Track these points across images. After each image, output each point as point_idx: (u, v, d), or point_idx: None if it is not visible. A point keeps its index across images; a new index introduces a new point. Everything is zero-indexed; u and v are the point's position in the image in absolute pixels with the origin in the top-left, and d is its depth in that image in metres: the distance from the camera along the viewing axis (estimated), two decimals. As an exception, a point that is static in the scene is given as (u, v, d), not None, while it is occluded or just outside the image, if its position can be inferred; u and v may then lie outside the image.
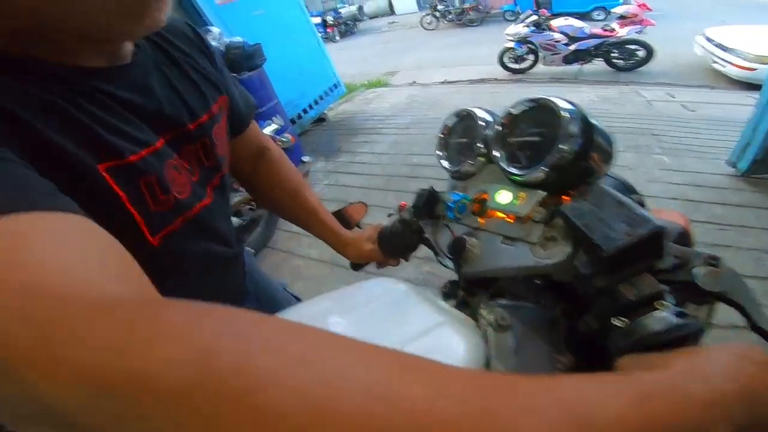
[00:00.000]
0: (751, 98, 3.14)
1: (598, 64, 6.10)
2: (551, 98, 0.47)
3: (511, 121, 0.52)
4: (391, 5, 16.18)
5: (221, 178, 0.56)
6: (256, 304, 0.72)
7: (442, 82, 5.61)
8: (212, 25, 2.90)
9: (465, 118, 0.62)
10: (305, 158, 3.33)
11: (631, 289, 0.37)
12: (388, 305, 0.51)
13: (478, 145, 0.57)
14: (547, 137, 0.47)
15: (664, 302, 0.36)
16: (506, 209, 0.50)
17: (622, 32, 5.92)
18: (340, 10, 14.77)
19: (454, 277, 0.59)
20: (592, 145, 0.45)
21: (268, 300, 0.77)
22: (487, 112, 0.60)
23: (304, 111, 3.98)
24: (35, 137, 0.33)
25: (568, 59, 5.96)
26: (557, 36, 5.93)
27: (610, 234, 0.37)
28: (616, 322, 0.37)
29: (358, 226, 0.83)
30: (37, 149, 0.32)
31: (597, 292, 0.40)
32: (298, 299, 0.88)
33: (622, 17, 6.12)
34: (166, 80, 0.48)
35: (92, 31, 0.36)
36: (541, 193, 0.47)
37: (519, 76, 6.06)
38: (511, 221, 0.49)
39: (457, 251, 0.52)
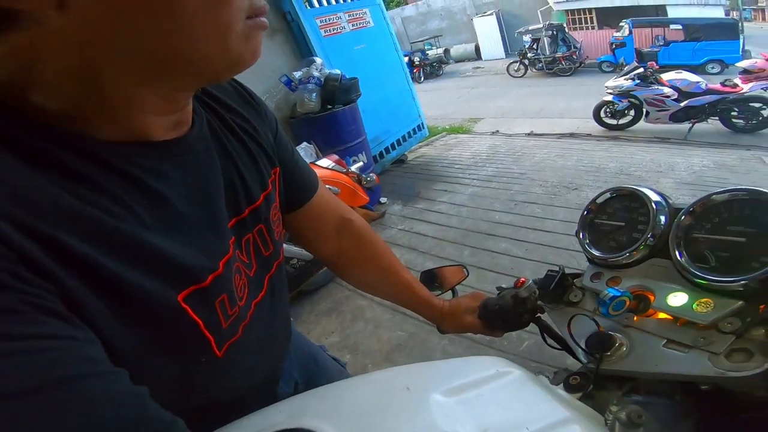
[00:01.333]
0: None
1: (712, 124, 5.52)
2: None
3: (707, 213, 0.47)
4: (477, 50, 16.46)
5: (278, 267, 0.49)
6: (295, 366, 0.64)
7: (528, 134, 5.41)
8: (316, 56, 3.06)
9: (626, 197, 0.57)
10: (383, 199, 3.36)
11: None
12: (503, 390, 0.45)
13: (645, 233, 0.51)
14: (758, 240, 0.43)
15: None
16: (680, 313, 0.46)
17: (746, 88, 5.32)
18: (427, 52, 15.41)
19: (566, 364, 0.57)
20: None
21: (308, 361, 0.69)
22: (659, 194, 0.54)
23: (387, 150, 4.03)
24: (102, 276, 0.27)
25: (677, 117, 5.45)
26: (667, 91, 5.46)
27: None
28: None
29: (453, 291, 0.78)
30: (103, 289, 0.27)
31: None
32: (338, 362, 0.81)
33: (746, 71, 5.52)
34: (224, 152, 0.41)
35: (199, 66, 0.30)
36: (738, 303, 0.42)
37: (615, 132, 5.66)
38: (679, 324, 0.46)
39: (603, 348, 0.49)
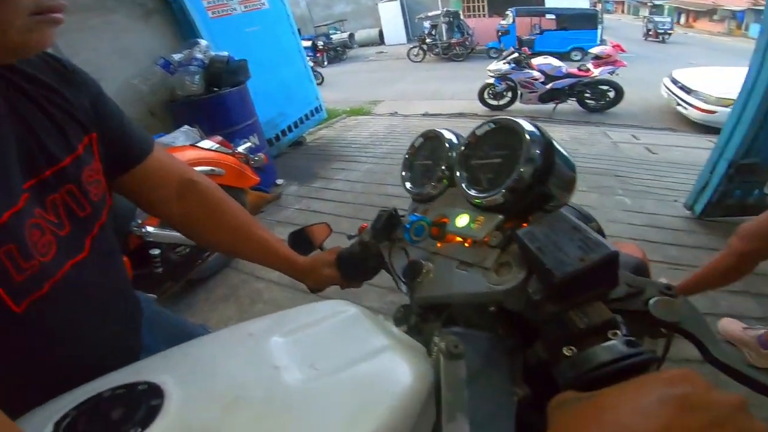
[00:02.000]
0: (710, 142, 3.32)
1: (571, 104, 6.38)
2: (516, 119, 0.47)
3: (475, 143, 0.52)
4: (381, 35, 16.72)
5: (102, 228, 0.51)
6: (163, 342, 0.64)
7: (423, 115, 5.78)
8: (201, 38, 2.89)
9: (432, 139, 0.61)
10: (279, 181, 3.33)
11: (581, 316, 0.36)
12: (335, 327, 0.48)
13: (441, 167, 0.56)
14: (509, 159, 0.46)
15: (617, 332, 0.34)
16: (464, 233, 0.49)
17: (596, 72, 6.22)
18: (331, 36, 15.18)
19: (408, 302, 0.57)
20: (553, 170, 0.44)
21: (184, 339, 0.72)
22: (454, 133, 0.59)
23: (283, 133, 3.96)
24: None
25: (544, 98, 6.22)
26: (536, 74, 6.19)
27: (563, 259, 0.36)
28: (565, 351, 0.35)
29: (321, 248, 0.79)
30: None
31: (548, 319, 0.38)
32: None
33: (597, 57, 6.45)
34: (21, 120, 0.43)
35: None
36: (499, 217, 0.46)
37: (497, 112, 6.25)
38: (468, 246, 0.48)
39: (412, 275, 0.51)
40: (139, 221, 1.80)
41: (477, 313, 0.51)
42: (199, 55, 2.70)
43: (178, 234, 1.99)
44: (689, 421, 0.23)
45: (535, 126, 0.46)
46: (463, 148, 0.52)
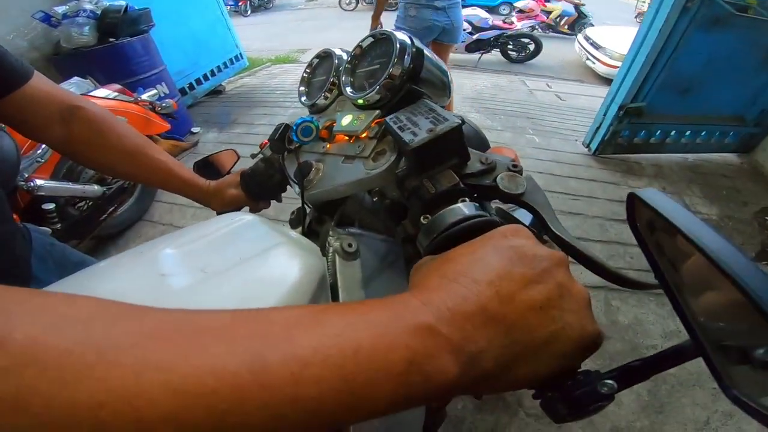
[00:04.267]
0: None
1: (495, 55, 6.57)
2: (391, 32, 0.50)
3: (360, 54, 0.55)
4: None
5: None
6: (56, 275, 0.65)
7: None
8: None
9: (326, 57, 0.64)
10: (195, 129, 3.12)
11: (433, 183, 0.38)
12: (229, 234, 0.48)
13: (330, 79, 0.59)
14: (385, 64, 0.49)
15: (465, 198, 0.37)
16: (347, 130, 0.52)
17: (519, 26, 6.46)
18: None
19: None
20: (422, 71, 0.48)
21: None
22: (345, 51, 0.61)
23: (198, 81, 3.71)
24: None
25: (470, 48, 6.33)
26: (463, 25, 6.27)
27: (417, 132, 0.39)
28: (422, 220, 0.38)
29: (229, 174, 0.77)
30: None
31: (411, 195, 0.41)
32: None
33: (520, 11, 6.66)
34: None
35: None
36: (376, 112, 0.49)
37: None
38: (352, 142, 0.51)
39: (302, 175, 0.52)
40: (26, 175, 1.62)
41: (369, 213, 0.54)
42: (89, 6, 2.49)
43: (75, 186, 1.85)
44: (518, 269, 0.26)
45: (409, 37, 0.49)
46: (348, 59, 0.56)
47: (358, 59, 0.56)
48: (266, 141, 0.65)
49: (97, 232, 2.02)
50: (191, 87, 3.64)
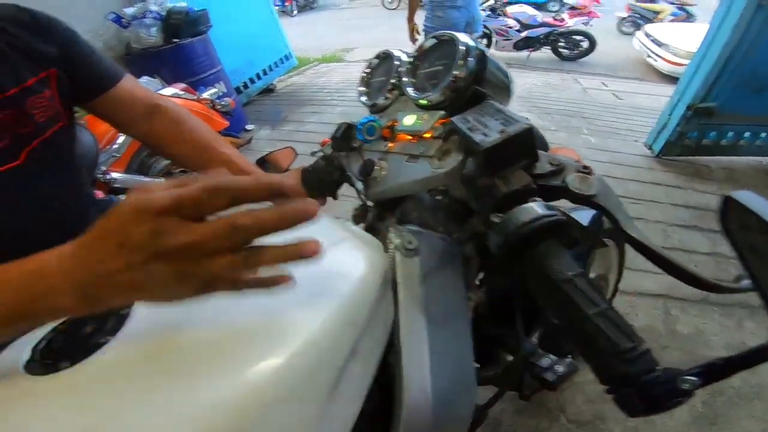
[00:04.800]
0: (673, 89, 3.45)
1: (545, 52, 6.33)
2: (454, 34, 0.52)
3: (422, 55, 0.57)
4: (353, -18, 15.71)
5: (44, 143, 0.60)
6: None
7: None
8: None
9: (385, 58, 0.66)
10: (249, 126, 3.25)
11: (505, 182, 0.40)
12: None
13: (391, 80, 0.61)
14: (448, 66, 0.50)
15: (536, 198, 0.39)
16: (411, 130, 0.54)
17: (571, 23, 6.17)
18: None
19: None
20: (485, 73, 0.49)
21: None
22: (405, 52, 0.63)
23: (251, 80, 3.87)
24: None
25: (519, 45, 6.14)
26: (510, 22, 6.09)
27: (488, 133, 0.40)
28: (494, 218, 0.39)
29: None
30: None
31: (480, 194, 0.43)
32: None
33: (572, 8, 6.39)
34: None
35: None
36: (440, 112, 0.51)
37: None
38: (415, 141, 0.53)
39: (366, 172, 0.55)
40: (104, 168, 1.75)
41: (430, 213, 0.54)
42: (155, 8, 2.67)
43: (145, 179, 1.98)
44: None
45: (472, 39, 0.50)
46: (411, 59, 0.58)
47: (419, 60, 0.57)
48: (327, 139, 0.68)
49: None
50: (245, 86, 3.79)
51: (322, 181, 0.71)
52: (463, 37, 0.50)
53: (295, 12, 12.65)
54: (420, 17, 2.85)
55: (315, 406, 0.36)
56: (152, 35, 2.65)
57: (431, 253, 0.47)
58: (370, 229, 0.59)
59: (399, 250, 0.45)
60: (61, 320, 0.42)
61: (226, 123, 2.31)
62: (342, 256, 0.44)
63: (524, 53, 6.21)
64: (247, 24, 3.72)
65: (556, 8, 11.36)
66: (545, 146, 0.57)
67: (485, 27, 6.03)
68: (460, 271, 0.50)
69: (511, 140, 0.39)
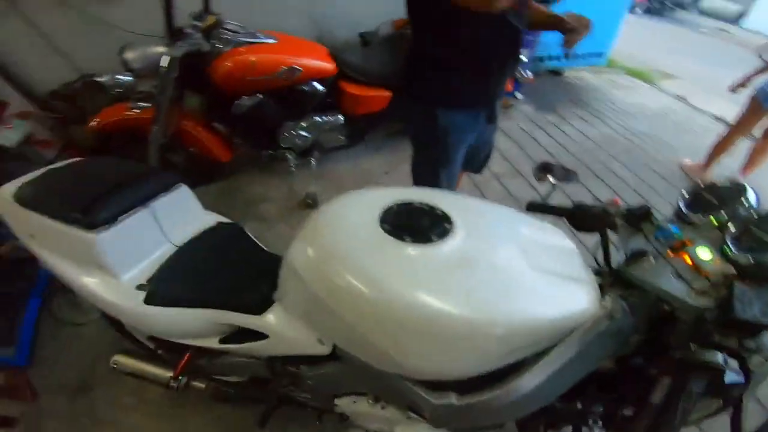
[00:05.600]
0: None
1: None
2: None
3: (753, 222, 0.66)
4: (741, 14, 12.50)
5: None
6: None
7: (715, 117, 4.49)
8: None
9: (733, 187, 0.74)
10: (518, 95, 3.38)
11: (713, 347, 0.57)
12: (556, 245, 0.77)
13: (724, 214, 0.70)
14: None
15: (728, 359, 0.55)
16: (699, 261, 0.64)
17: None
18: None
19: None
20: None
21: None
22: (755, 193, 0.71)
23: (549, 57, 3.83)
24: None
25: None
26: None
27: (748, 310, 0.53)
28: (692, 347, 0.58)
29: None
30: None
31: (697, 328, 0.59)
32: None
33: None
34: None
35: None
36: (733, 271, 0.62)
37: None
38: (690, 266, 0.65)
39: (636, 257, 0.68)
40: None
41: (644, 306, 0.65)
42: None
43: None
44: None
45: None
46: (753, 216, 0.66)
47: (762, 220, 0.65)
48: (617, 200, 0.82)
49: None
50: (541, 59, 3.79)
51: (589, 225, 0.82)
52: None
53: (639, 12, 11.14)
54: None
55: (498, 353, 0.65)
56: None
57: (618, 326, 0.63)
58: (601, 279, 0.75)
59: (605, 311, 0.64)
60: (403, 198, 0.75)
61: (510, 86, 2.55)
62: (579, 291, 0.68)
63: None
64: (592, 8, 3.59)
65: None
66: None
67: None
68: (618, 345, 0.67)
69: (754, 324, 0.53)
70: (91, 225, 0.81)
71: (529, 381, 0.65)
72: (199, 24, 1.77)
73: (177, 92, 1.77)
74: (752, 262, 0.60)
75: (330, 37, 2.90)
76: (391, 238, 0.66)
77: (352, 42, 2.85)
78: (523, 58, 2.60)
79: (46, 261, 0.89)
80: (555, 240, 0.77)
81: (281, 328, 0.80)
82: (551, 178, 0.89)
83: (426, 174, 1.32)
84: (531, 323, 0.63)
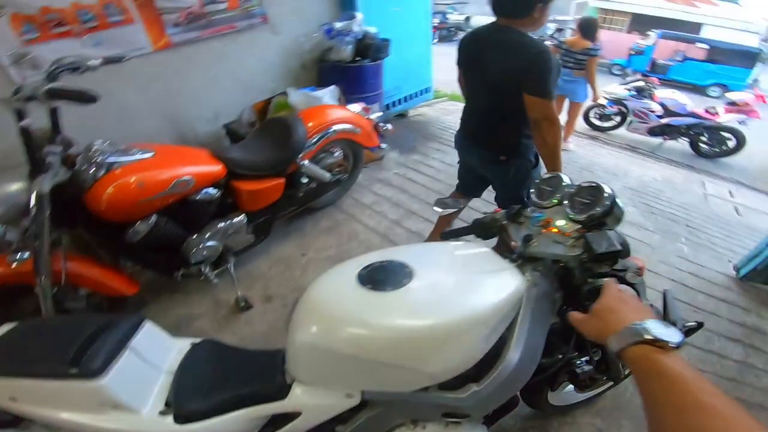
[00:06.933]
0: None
1: (682, 143, 6.01)
2: (603, 185, 0.93)
3: (579, 189, 0.99)
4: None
5: None
6: None
7: None
8: (357, 11, 3.27)
9: (555, 177, 1.07)
10: (383, 145, 3.72)
11: (597, 267, 0.86)
12: (480, 254, 1.01)
13: (557, 194, 1.02)
14: (593, 202, 0.92)
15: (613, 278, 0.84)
16: (561, 228, 0.94)
17: (724, 118, 5.71)
18: (447, 15, 14.75)
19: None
20: (612, 212, 0.90)
21: None
22: (569, 178, 1.06)
23: (393, 104, 4.26)
24: None
25: (654, 131, 5.93)
26: (654, 106, 5.88)
27: (601, 245, 0.81)
28: (589, 280, 0.88)
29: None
30: None
31: (585, 269, 0.88)
32: None
33: (732, 103, 5.86)
34: None
35: None
36: (578, 226, 0.93)
37: (596, 133, 6.09)
38: (557, 233, 0.93)
39: (528, 239, 0.95)
40: (301, 155, 2.30)
41: (550, 270, 0.94)
42: (356, 28, 3.14)
43: (319, 170, 2.60)
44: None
45: (612, 190, 0.91)
46: (572, 190, 0.99)
47: (577, 190, 0.98)
48: (498, 209, 1.13)
49: (309, 204, 2.69)
50: (387, 107, 4.15)
51: (486, 231, 1.11)
52: (607, 188, 0.91)
53: (435, 41, 13.36)
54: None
55: (482, 336, 0.85)
56: (347, 51, 3.13)
57: (543, 289, 0.91)
58: (516, 266, 0.97)
59: (529, 283, 0.90)
60: (373, 261, 0.92)
61: (378, 142, 2.83)
62: (508, 276, 0.91)
63: (657, 140, 6.00)
64: (408, 52, 4.07)
65: (716, 95, 10.37)
66: (628, 252, 0.89)
67: (624, 105, 5.97)
68: (552, 303, 0.94)
69: (609, 253, 0.80)
70: (91, 374, 0.81)
71: (516, 349, 0.87)
72: (56, 150, 1.51)
73: (54, 233, 1.54)
74: (585, 217, 0.91)
75: (193, 133, 2.88)
76: (375, 292, 0.85)
77: (218, 135, 2.88)
78: (378, 113, 2.94)
79: (41, 417, 0.87)
80: (476, 249, 1.02)
81: (310, 400, 0.90)
82: (447, 208, 1.23)
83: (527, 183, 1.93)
84: (493, 306, 0.85)
